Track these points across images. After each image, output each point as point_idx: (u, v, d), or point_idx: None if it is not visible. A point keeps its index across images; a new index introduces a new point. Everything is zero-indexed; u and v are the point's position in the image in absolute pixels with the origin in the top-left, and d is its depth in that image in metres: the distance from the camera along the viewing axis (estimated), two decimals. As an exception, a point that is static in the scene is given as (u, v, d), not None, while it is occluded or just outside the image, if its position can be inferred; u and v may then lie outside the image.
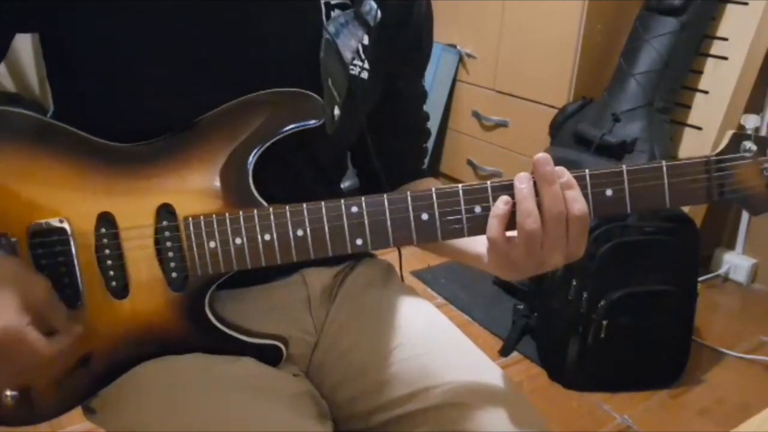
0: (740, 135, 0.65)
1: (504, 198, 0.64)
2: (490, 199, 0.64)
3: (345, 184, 0.91)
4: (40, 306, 0.63)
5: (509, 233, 0.64)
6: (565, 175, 0.63)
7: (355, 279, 0.86)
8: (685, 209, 1.99)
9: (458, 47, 2.58)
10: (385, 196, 0.65)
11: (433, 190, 0.65)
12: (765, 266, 2.24)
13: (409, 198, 0.65)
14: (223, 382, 0.69)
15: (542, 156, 0.63)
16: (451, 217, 0.65)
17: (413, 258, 2.19)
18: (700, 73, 2.02)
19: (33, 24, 0.68)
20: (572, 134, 1.99)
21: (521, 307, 1.94)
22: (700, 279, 1.79)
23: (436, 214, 0.65)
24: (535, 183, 0.63)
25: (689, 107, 2.05)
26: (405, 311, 0.83)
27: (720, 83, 1.97)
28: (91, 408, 0.75)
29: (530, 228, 0.62)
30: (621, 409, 1.65)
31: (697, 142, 2.02)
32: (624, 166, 0.64)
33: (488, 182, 0.65)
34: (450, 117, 2.71)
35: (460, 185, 0.65)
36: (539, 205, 0.62)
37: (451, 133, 2.71)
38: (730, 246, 2.31)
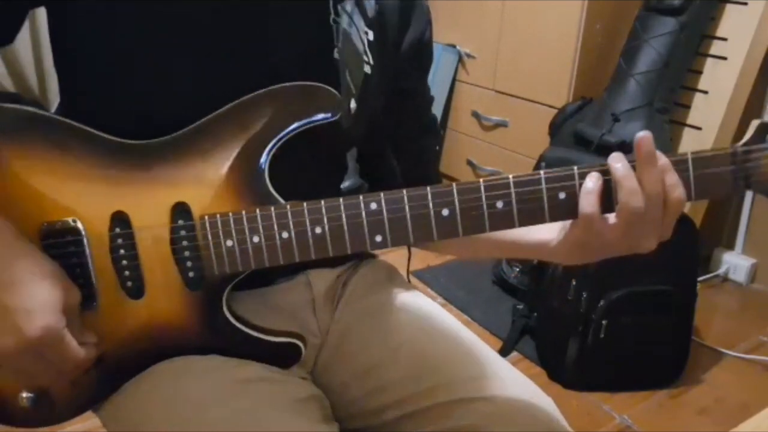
0: (765, 125, 0.63)
1: (594, 174, 0.62)
2: (513, 194, 0.63)
3: (345, 184, 0.91)
4: (71, 313, 0.63)
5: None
6: (662, 158, 0.62)
7: (360, 280, 0.86)
8: (684, 209, 1.99)
9: (458, 47, 2.58)
10: (404, 191, 0.64)
11: (454, 185, 0.64)
12: (764, 266, 2.24)
13: (429, 194, 0.64)
14: (229, 386, 0.69)
15: (646, 135, 0.61)
16: (472, 213, 0.64)
17: (413, 257, 2.17)
18: (700, 73, 2.02)
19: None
20: (572, 134, 1.99)
21: (521, 307, 1.94)
22: (699, 279, 1.79)
23: (457, 209, 0.64)
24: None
25: (689, 107, 2.05)
26: (412, 310, 0.83)
27: (719, 83, 1.97)
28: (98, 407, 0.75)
29: (636, 206, 0.60)
30: (620, 409, 1.65)
31: (697, 143, 2.02)
32: None
33: (510, 176, 0.63)
34: (449, 117, 2.71)
35: (481, 180, 0.64)
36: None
37: (450, 133, 2.71)
38: (730, 246, 2.31)
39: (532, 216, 0.64)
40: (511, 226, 0.64)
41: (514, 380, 0.76)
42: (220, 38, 0.69)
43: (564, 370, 1.73)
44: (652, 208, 0.61)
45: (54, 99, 0.77)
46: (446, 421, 0.72)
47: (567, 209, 0.63)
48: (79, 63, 0.70)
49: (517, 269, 2.10)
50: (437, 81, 2.64)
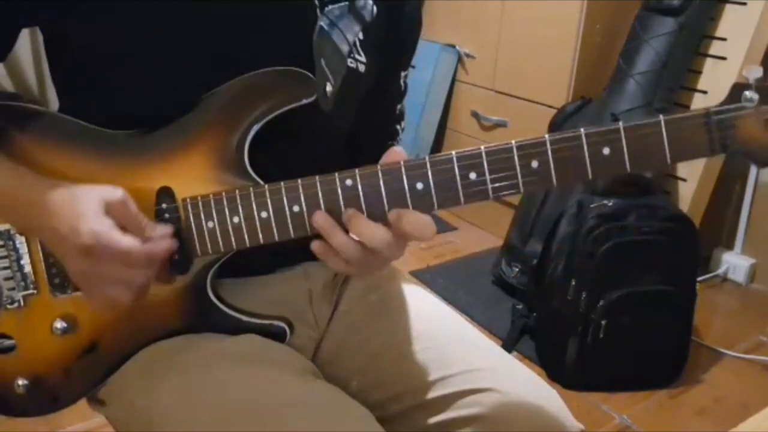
0: (742, 85, 0.61)
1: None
2: (485, 164, 0.63)
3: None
4: (119, 211, 0.63)
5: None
6: (348, 211, 0.64)
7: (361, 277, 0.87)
8: (684, 209, 1.99)
9: (457, 47, 2.58)
10: (379, 167, 0.64)
11: (427, 158, 0.64)
12: (764, 266, 2.25)
13: (403, 168, 0.64)
14: (229, 354, 0.71)
15: (320, 214, 0.64)
16: (446, 184, 0.64)
17: (413, 258, 2.20)
18: (699, 73, 2.02)
19: (43, 15, 0.69)
20: (571, 134, 1.99)
21: (520, 307, 1.94)
22: (699, 279, 1.79)
23: (431, 181, 0.64)
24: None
25: (688, 107, 2.05)
26: (415, 305, 0.84)
27: (719, 83, 1.97)
28: (99, 399, 0.76)
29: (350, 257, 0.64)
30: (620, 409, 1.65)
31: (696, 142, 2.02)
32: (621, 123, 0.61)
33: (482, 147, 0.63)
34: (449, 117, 2.71)
35: (453, 152, 0.63)
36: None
37: (450, 133, 2.72)
38: (729, 246, 2.31)
39: (505, 186, 0.64)
40: (485, 197, 0.64)
41: (519, 372, 0.77)
42: (210, 44, 0.70)
43: (564, 370, 1.73)
44: (360, 257, 0.64)
45: (54, 99, 0.79)
46: (451, 411, 0.73)
47: (540, 178, 0.63)
48: (75, 77, 0.73)
49: (517, 269, 2.10)
50: (436, 81, 2.64)
